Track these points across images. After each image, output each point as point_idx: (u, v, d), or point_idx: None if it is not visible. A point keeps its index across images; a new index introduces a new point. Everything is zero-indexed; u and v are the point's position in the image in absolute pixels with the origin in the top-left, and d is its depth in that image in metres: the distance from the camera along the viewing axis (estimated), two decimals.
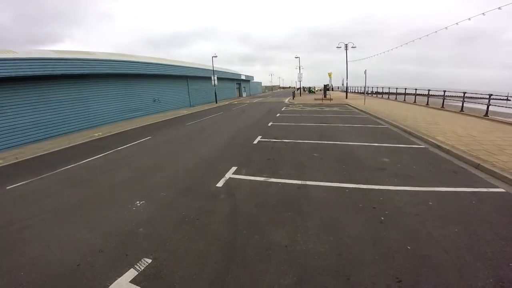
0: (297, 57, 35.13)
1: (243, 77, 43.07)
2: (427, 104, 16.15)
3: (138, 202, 4.26)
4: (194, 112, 19.53)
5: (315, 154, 6.37)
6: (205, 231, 3.28)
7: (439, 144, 6.49)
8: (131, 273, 2.55)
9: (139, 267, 2.64)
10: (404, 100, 20.22)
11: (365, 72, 18.37)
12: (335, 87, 51.57)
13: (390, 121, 10.52)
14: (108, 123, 15.36)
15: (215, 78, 26.37)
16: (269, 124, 11.54)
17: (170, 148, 8.29)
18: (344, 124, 10.75)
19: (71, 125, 13.28)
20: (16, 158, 8.44)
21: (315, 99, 26.24)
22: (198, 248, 2.92)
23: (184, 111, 20.30)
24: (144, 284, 2.41)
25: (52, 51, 14.06)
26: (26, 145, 10.73)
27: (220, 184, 4.76)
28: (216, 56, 26.41)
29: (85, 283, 2.47)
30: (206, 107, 23.78)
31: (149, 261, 2.73)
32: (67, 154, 8.55)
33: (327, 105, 19.88)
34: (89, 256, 2.90)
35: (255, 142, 8.13)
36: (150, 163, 6.69)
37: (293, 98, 30.02)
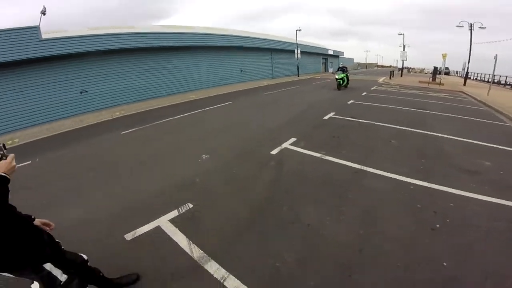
0: (401, 34, 29.91)
1: (330, 52, 39.85)
2: None
3: (204, 155, 4.90)
4: (274, 84, 19.74)
5: (392, 141, 5.52)
6: (245, 191, 3.54)
7: None
8: (173, 213, 3.04)
9: (182, 209, 3.12)
10: None
11: (495, 57, 14.10)
12: (452, 71, 40.95)
13: None
14: (201, 88, 17.44)
15: (298, 51, 25.88)
16: (349, 102, 10.50)
17: (243, 114, 8.94)
18: (448, 113, 8.64)
19: (173, 88, 15.80)
20: (123, 110, 10.92)
21: (420, 82, 21.75)
22: (232, 204, 3.23)
23: (265, 82, 20.82)
24: (178, 223, 2.85)
25: (160, 26, 16.72)
26: (146, 101, 13.70)
27: (274, 152, 4.87)
28: (300, 30, 25.97)
29: (140, 214, 3.05)
30: (286, 79, 23.60)
31: (191, 206, 3.18)
32: (167, 111, 10.41)
33: (434, 90, 16.27)
34: (155, 193, 3.59)
35: (326, 117, 7.68)
36: (223, 124, 7.51)
37: (389, 78, 25.83)
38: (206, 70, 18.07)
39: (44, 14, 11.74)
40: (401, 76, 31.16)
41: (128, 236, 2.69)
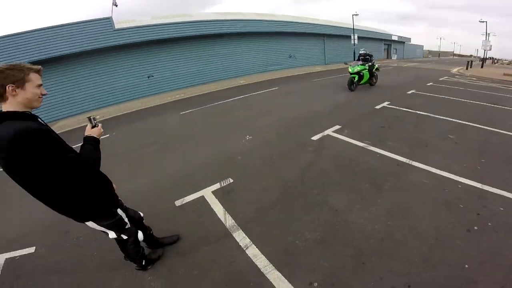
0: (482, 22, 25.50)
1: (394, 38, 35.92)
2: None
3: (248, 136, 5.32)
4: (326, 70, 18.98)
5: (450, 136, 5.00)
6: (280, 172, 3.77)
7: None
8: (216, 186, 3.49)
9: (223, 183, 3.55)
10: None
11: None
12: None
13: None
14: (251, 73, 17.95)
15: (355, 37, 23.88)
16: (409, 92, 9.53)
17: (289, 99, 9.08)
18: None
19: (225, 73, 16.67)
20: (182, 94, 11.99)
21: (505, 74, 18.12)
22: (267, 182, 3.50)
23: (317, 68, 20.16)
24: (219, 195, 3.26)
25: (214, 13, 17.51)
26: (202, 85, 14.91)
27: (315, 137, 4.96)
28: (357, 15, 23.91)
29: (190, 184, 3.57)
30: (340, 66, 22.23)
31: (231, 180, 3.60)
32: (219, 95, 11.23)
33: None
34: (202, 166, 4.15)
35: (378, 107, 7.26)
36: (268, 108, 7.84)
37: (466, 69, 22.12)
38: (256, 56, 18.40)
39: (116, 5, 13.36)
40: (482, 67, 26.29)
41: (178, 203, 3.20)
